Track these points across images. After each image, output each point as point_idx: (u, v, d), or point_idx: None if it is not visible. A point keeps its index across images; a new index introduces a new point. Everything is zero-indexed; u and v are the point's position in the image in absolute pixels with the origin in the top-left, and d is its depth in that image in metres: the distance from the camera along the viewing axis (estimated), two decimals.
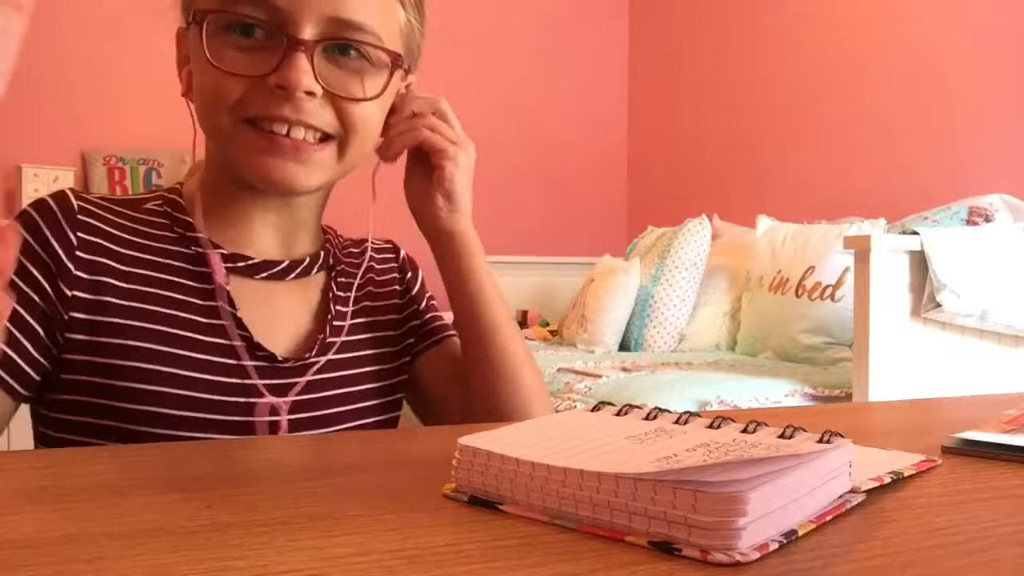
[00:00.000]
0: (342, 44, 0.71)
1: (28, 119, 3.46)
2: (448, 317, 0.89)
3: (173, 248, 0.75)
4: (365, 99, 0.72)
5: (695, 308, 3.13)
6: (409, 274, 0.90)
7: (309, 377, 0.75)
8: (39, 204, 0.72)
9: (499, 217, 4.11)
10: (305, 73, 0.68)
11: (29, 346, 0.69)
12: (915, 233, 1.97)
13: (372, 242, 0.90)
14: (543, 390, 0.84)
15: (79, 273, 0.70)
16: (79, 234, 0.71)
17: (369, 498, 0.44)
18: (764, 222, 3.03)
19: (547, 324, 3.82)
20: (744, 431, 0.44)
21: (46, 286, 0.69)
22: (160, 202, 0.78)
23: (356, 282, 0.84)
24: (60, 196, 0.73)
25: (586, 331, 3.18)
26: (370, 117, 0.74)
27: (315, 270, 0.81)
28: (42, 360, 0.69)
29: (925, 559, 0.36)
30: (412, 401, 0.88)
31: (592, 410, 0.51)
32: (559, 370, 2.54)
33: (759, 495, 0.35)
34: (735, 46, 3.91)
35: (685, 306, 3.10)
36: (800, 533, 0.38)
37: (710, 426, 0.46)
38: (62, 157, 3.49)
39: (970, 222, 2.36)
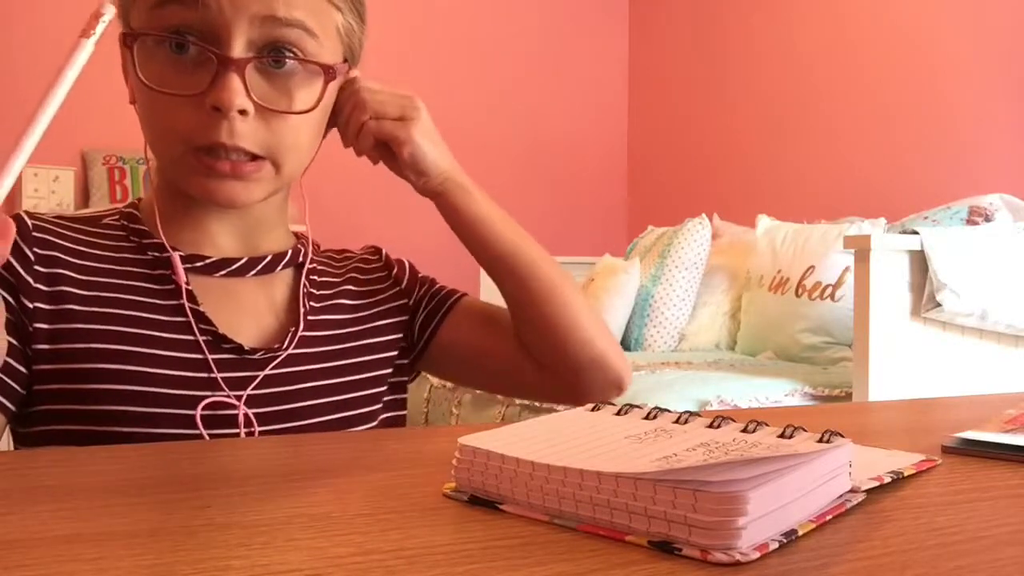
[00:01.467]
0: (275, 56, 0.71)
1: (28, 119, 3.45)
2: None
3: (131, 256, 0.76)
4: (299, 112, 0.73)
5: (695, 308, 3.13)
6: (395, 269, 0.89)
7: (268, 371, 0.75)
8: None
9: None
10: (237, 93, 0.69)
11: (10, 359, 0.70)
12: (915, 233, 1.97)
13: (354, 251, 0.91)
14: (607, 330, 0.85)
15: (38, 285, 0.71)
16: (35, 249, 0.72)
17: (369, 498, 0.44)
18: (764, 222, 3.04)
19: None
20: (744, 431, 0.44)
21: (11, 301, 0.70)
22: (117, 216, 0.80)
23: (331, 279, 0.85)
24: (14, 218, 0.74)
25: None
26: (304, 129, 0.75)
27: (280, 267, 0.81)
28: (23, 370, 0.70)
29: (925, 559, 0.36)
30: (455, 374, 0.91)
31: (592, 410, 0.51)
32: None
33: (759, 495, 0.35)
34: (735, 46, 3.91)
35: (685, 306, 3.10)
36: (800, 533, 0.38)
37: (710, 426, 0.46)
38: (62, 157, 3.49)
39: (970, 222, 2.36)
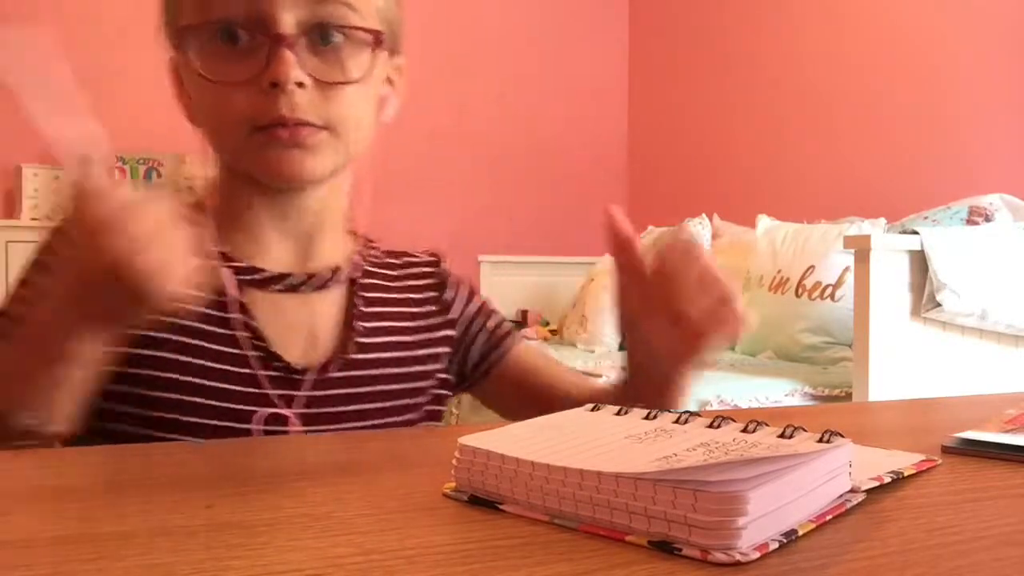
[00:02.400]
0: (324, 32, 0.72)
1: (28, 119, 3.45)
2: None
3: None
4: (352, 81, 0.73)
5: None
6: (450, 292, 0.88)
7: (315, 391, 0.75)
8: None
9: (499, 216, 4.10)
10: (292, 66, 0.70)
11: None
12: (915, 233, 1.97)
13: (415, 254, 0.90)
14: None
15: None
16: None
17: (369, 498, 0.44)
18: (764, 221, 3.04)
19: (547, 324, 3.82)
20: (744, 431, 0.44)
21: None
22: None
23: (385, 295, 0.84)
24: None
25: (586, 331, 3.18)
26: (360, 101, 0.75)
27: (333, 283, 0.80)
28: None
29: (925, 559, 0.36)
30: (499, 411, 0.92)
31: (592, 410, 0.51)
32: None
33: (759, 495, 0.35)
34: (735, 45, 3.91)
35: None
36: (800, 533, 0.38)
37: (710, 426, 0.46)
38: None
39: (970, 222, 2.36)
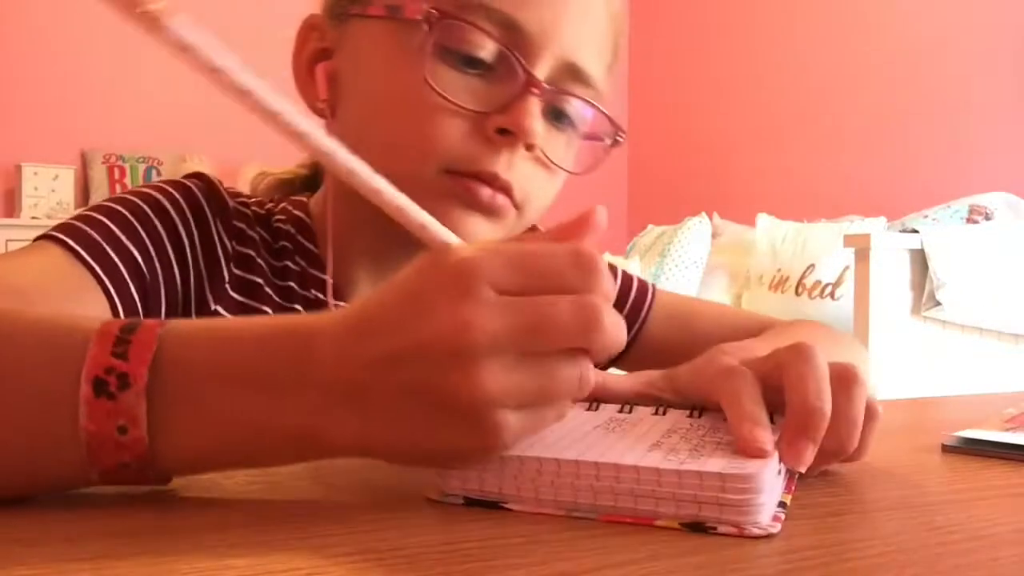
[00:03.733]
0: (561, 104, 0.61)
1: (28, 119, 3.46)
2: None
3: (294, 283, 0.68)
4: (571, 172, 0.64)
5: None
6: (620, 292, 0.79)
7: None
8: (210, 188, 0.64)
9: None
10: (537, 119, 0.58)
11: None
12: (915, 231, 1.97)
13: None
14: None
15: (233, 294, 0.65)
16: (234, 244, 0.65)
17: (369, 497, 0.44)
18: (764, 220, 3.04)
19: None
20: (689, 416, 0.48)
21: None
22: (285, 219, 0.69)
23: None
24: (200, 179, 0.64)
25: None
26: (556, 190, 0.65)
27: None
28: None
29: (925, 558, 0.36)
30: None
31: (590, 408, 0.50)
32: None
33: (766, 471, 0.38)
34: (735, 44, 3.91)
35: None
36: (786, 503, 0.41)
37: (656, 413, 0.49)
38: (62, 156, 3.49)
39: (970, 220, 2.36)
